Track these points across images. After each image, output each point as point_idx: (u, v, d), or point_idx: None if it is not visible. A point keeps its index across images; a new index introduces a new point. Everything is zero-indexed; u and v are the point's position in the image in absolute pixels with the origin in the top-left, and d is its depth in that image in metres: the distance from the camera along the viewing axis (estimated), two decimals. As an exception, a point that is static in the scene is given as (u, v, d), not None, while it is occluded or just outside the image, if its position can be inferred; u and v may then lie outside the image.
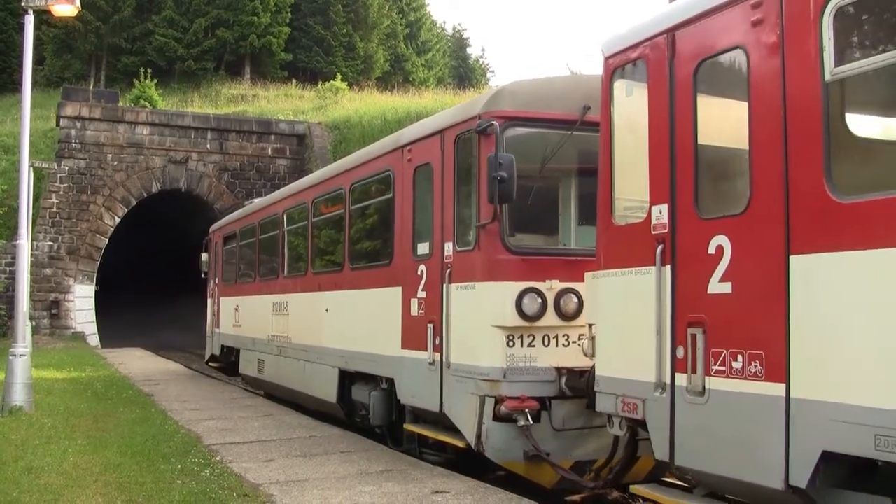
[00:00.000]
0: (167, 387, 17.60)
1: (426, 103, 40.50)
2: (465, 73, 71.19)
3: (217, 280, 20.40)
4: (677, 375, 5.54)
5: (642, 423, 5.93)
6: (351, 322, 11.26)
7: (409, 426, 9.57)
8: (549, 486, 7.89)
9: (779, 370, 4.81)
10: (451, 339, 8.45)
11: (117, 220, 34.14)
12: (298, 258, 14.12)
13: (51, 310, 32.86)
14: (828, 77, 4.57)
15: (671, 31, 5.70)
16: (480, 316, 7.99)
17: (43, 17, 28.39)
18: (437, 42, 70.60)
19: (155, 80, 44.69)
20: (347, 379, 11.41)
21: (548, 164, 8.16)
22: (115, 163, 34.20)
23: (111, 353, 28.36)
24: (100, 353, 28.41)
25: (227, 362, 19.36)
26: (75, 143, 33.78)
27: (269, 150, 36.70)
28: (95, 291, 33.95)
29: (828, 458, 4.56)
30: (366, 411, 10.66)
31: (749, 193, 5.04)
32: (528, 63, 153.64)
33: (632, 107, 6.03)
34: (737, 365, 5.09)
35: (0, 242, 30.05)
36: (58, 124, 34.75)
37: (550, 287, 7.78)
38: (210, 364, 21.68)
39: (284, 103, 47.08)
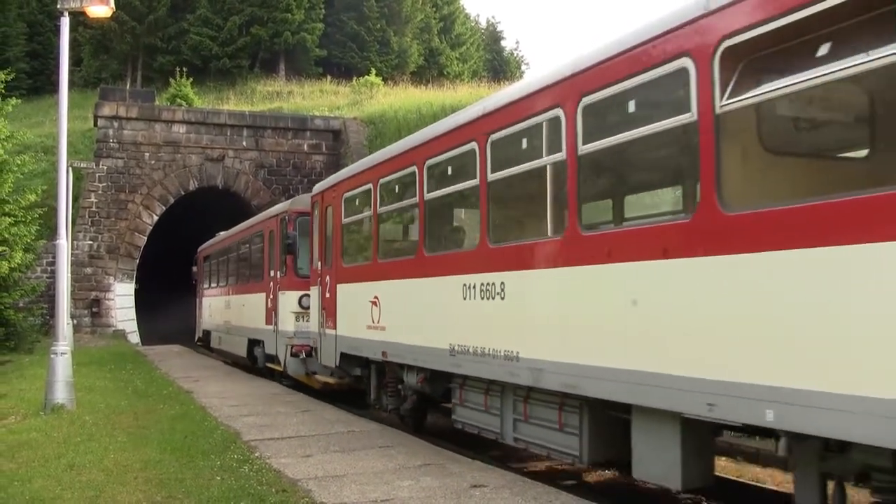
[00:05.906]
0: (206, 383, 19.56)
1: (461, 97, 44.13)
2: (499, 66, 77.89)
3: (200, 286, 33.26)
4: (321, 328, 15.47)
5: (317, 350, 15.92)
6: (251, 311, 22.57)
7: (268, 364, 20.10)
8: (318, 388, 18.26)
9: (335, 324, 14.81)
10: (279, 318, 19.48)
11: (156, 218, 37.85)
12: (233, 273, 26.03)
13: (91, 308, 35.90)
14: (343, 222, 14.40)
15: (322, 192, 16.14)
16: (287, 307, 18.98)
17: (79, 18, 30.51)
18: (471, 35, 76.57)
19: (190, 79, 50.19)
20: (251, 343, 22.86)
21: None
22: (153, 161, 37.95)
23: (151, 350, 31.28)
24: (140, 351, 31.27)
25: (206, 342, 31.84)
26: (113, 142, 37.44)
27: (305, 147, 40.30)
28: (135, 290, 37.43)
29: (344, 356, 14.54)
30: (258, 360, 21.55)
31: (332, 259, 15.02)
32: (562, 55, 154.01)
33: (317, 219, 16.25)
34: (329, 323, 15.26)
35: (41, 242, 31.47)
36: (95, 124, 38.56)
37: None
38: (197, 343, 34.07)
39: (319, 99, 51.90)
